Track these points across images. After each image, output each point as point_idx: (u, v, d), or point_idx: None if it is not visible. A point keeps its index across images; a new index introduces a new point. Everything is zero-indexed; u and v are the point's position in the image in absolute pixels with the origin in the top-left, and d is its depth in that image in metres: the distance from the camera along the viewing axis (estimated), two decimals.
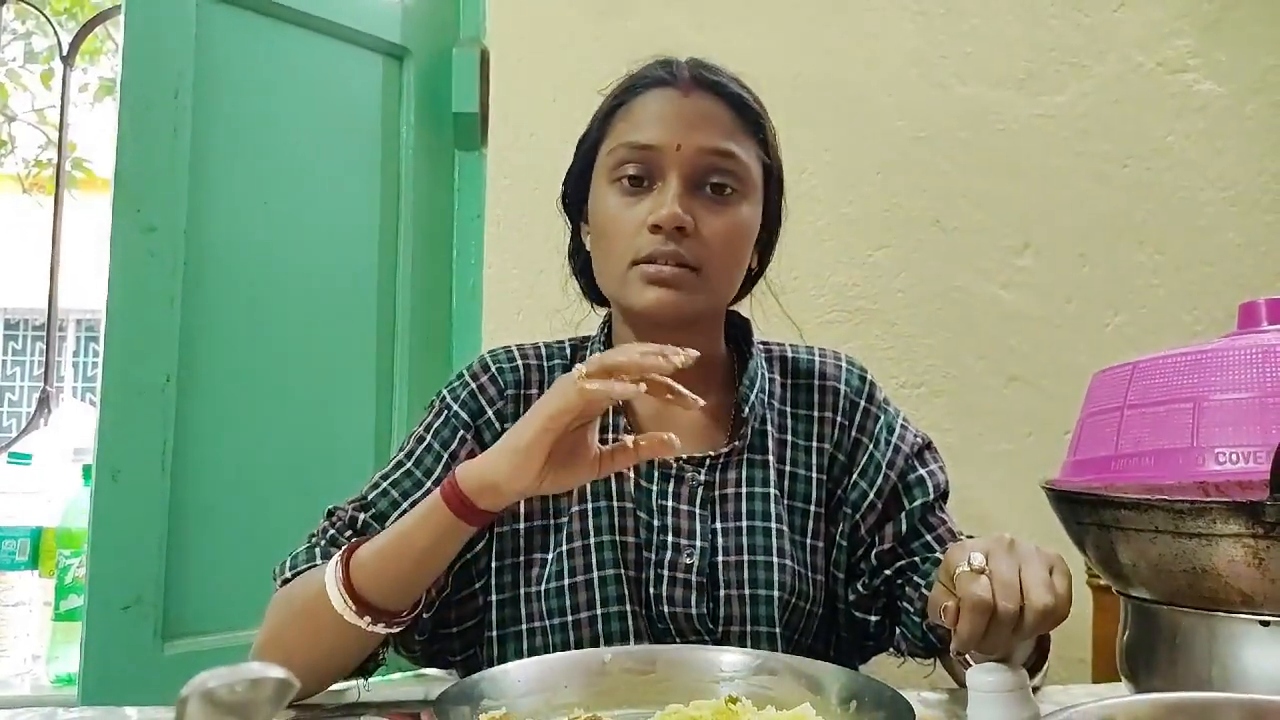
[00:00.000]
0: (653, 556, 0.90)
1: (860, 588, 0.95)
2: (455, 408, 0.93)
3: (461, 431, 0.92)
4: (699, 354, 0.72)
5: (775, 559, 0.91)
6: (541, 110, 1.61)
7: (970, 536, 0.96)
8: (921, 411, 1.60)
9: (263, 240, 1.37)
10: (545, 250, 1.62)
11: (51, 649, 1.39)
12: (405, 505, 0.89)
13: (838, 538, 0.96)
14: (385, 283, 1.51)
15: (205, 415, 1.28)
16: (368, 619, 0.78)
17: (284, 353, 1.37)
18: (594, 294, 1.02)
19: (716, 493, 0.93)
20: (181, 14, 1.30)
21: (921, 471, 0.97)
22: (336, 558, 0.80)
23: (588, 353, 0.99)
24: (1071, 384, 1.64)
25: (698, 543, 0.90)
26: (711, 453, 0.93)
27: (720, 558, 0.90)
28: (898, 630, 0.95)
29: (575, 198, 0.98)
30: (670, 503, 0.91)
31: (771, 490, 0.94)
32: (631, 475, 0.92)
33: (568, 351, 0.99)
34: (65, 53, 1.81)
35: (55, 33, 1.90)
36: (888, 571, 0.94)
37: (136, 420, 1.22)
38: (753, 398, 0.95)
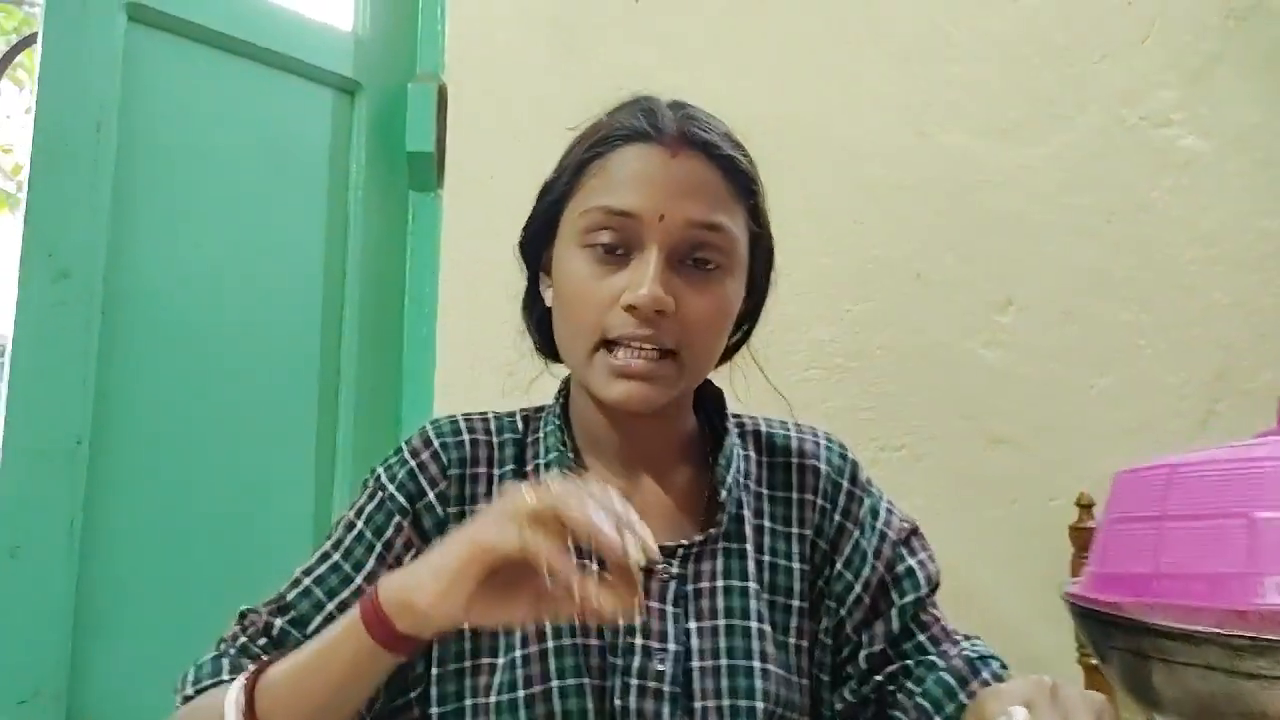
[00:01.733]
0: (619, 662, 0.79)
1: (848, 694, 0.85)
2: (391, 489, 0.82)
3: (397, 517, 0.81)
4: (660, 559, 0.63)
5: (757, 663, 0.81)
6: (502, 150, 1.52)
7: (967, 637, 0.88)
8: (902, 476, 1.51)
9: (193, 289, 1.24)
10: (503, 300, 1.50)
11: None
12: (331, 606, 0.78)
13: (820, 635, 0.86)
14: (329, 335, 1.39)
15: (121, 483, 1.15)
16: None
17: (213, 413, 1.24)
18: (550, 350, 0.91)
19: (690, 587, 0.82)
20: (107, 39, 1.18)
21: (911, 562, 0.88)
22: (240, 682, 0.68)
23: (541, 425, 0.88)
24: (1057, 447, 1.58)
25: (670, 646, 0.80)
26: (684, 541, 0.83)
27: (696, 663, 0.80)
28: None
29: (535, 247, 0.88)
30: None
31: (751, 584, 0.84)
32: (595, 568, 0.82)
33: (519, 425, 0.88)
34: None
35: None
36: (878, 677, 0.85)
37: (41, 489, 1.09)
38: (729, 479, 0.85)
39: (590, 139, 0.82)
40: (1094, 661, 1.38)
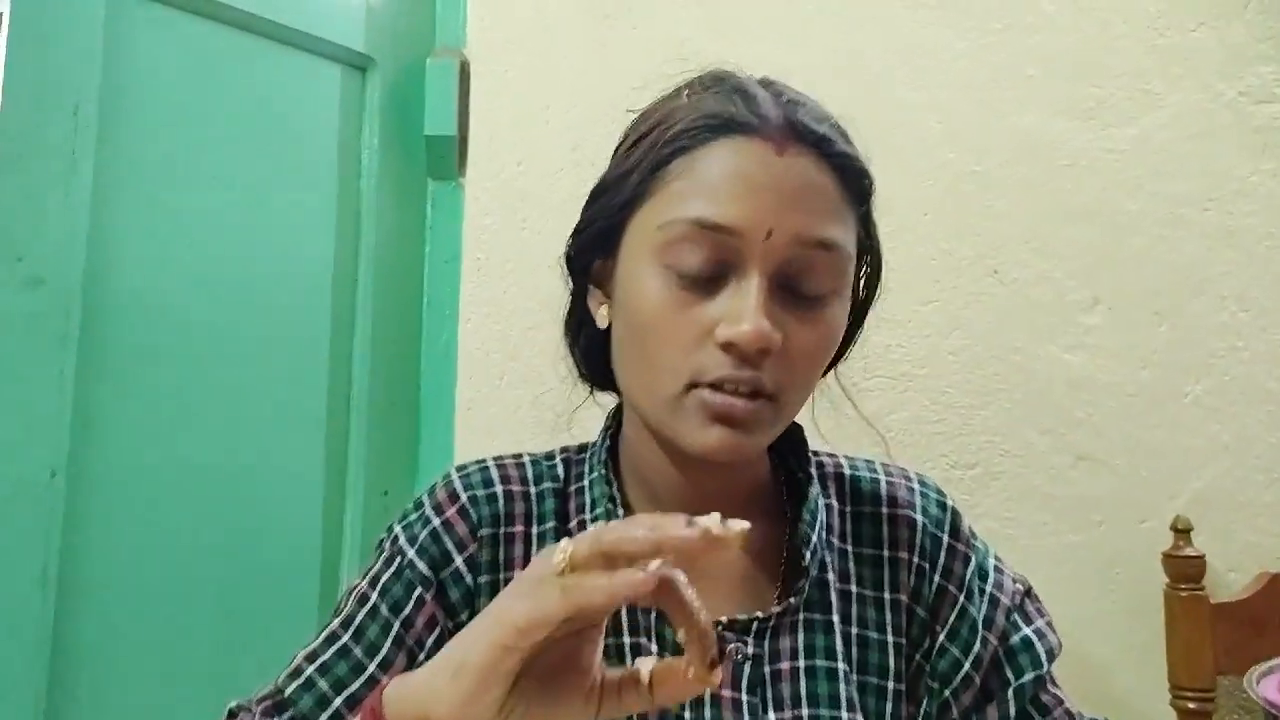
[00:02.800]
0: None
1: None
2: (411, 554, 0.69)
3: (419, 589, 0.68)
4: (748, 525, 0.48)
5: None
6: (532, 133, 1.38)
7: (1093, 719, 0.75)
8: (976, 497, 1.37)
9: (184, 296, 1.11)
10: (534, 302, 1.39)
11: None
12: (338, 702, 0.65)
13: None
14: (339, 346, 1.25)
15: (101, 518, 1.02)
16: None
17: (209, 438, 1.11)
18: (599, 378, 0.77)
19: (768, 669, 0.69)
20: (86, 10, 1.04)
21: (1028, 631, 0.75)
22: None
23: (586, 471, 0.74)
24: (1148, 463, 1.42)
25: None
26: (760, 614, 0.69)
27: None
28: None
29: (585, 259, 0.72)
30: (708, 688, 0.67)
31: (839, 664, 0.70)
32: (655, 649, 0.68)
33: (559, 471, 0.75)
34: None
35: None
36: None
37: (10, 527, 0.96)
38: (814, 540, 0.71)
39: (668, 127, 0.65)
40: (1191, 706, 1.24)
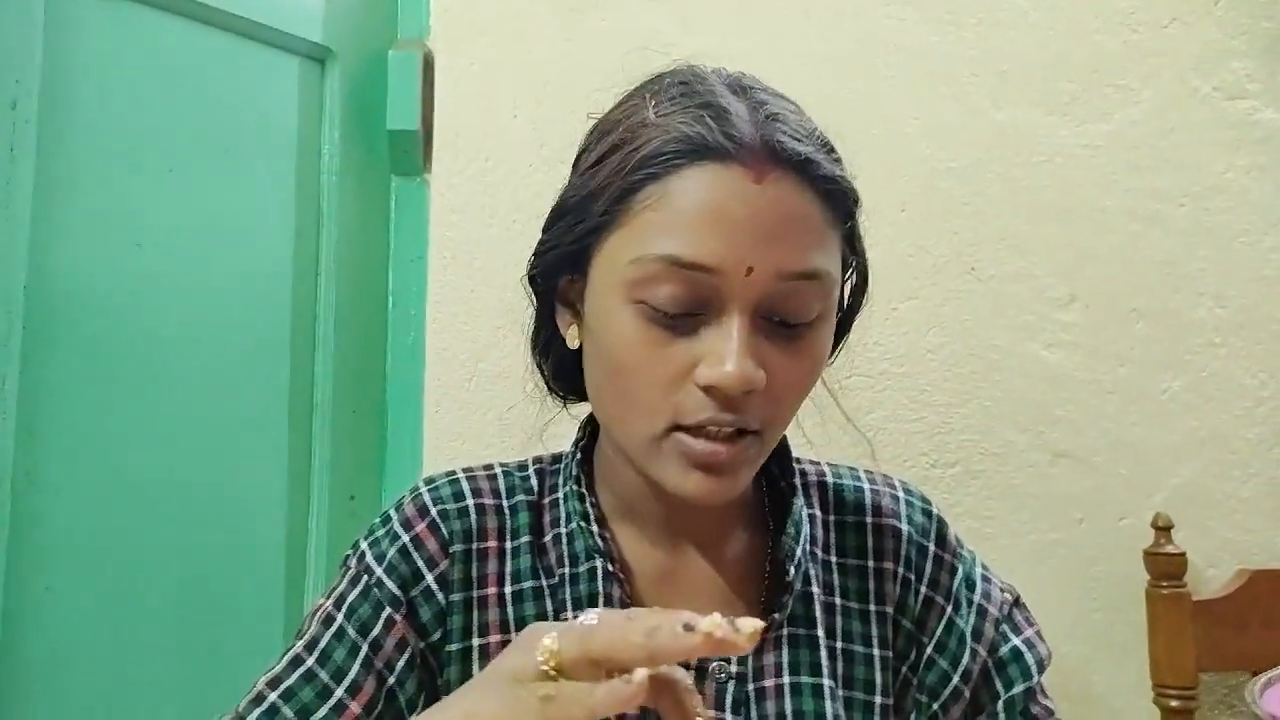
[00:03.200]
0: None
1: None
2: (379, 572, 0.65)
3: (388, 609, 0.64)
4: (761, 625, 0.43)
5: None
6: (498, 128, 1.33)
7: None
8: (956, 495, 1.35)
9: (136, 297, 1.05)
10: (503, 301, 1.34)
11: None
12: None
13: None
14: (301, 343, 1.20)
15: (51, 530, 0.97)
16: None
17: (165, 444, 1.06)
18: (568, 391, 0.74)
19: (751, 686, 0.66)
20: (24, 1, 0.98)
21: (1017, 642, 0.73)
22: None
23: (560, 483, 0.71)
24: (1127, 460, 1.40)
25: None
26: None
27: None
28: None
29: (550, 279, 0.68)
30: None
31: (824, 680, 0.67)
32: None
33: (533, 483, 0.71)
34: None
35: None
36: None
37: None
38: (799, 554, 0.68)
39: (636, 149, 0.60)
40: (1174, 704, 1.22)
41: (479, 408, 1.28)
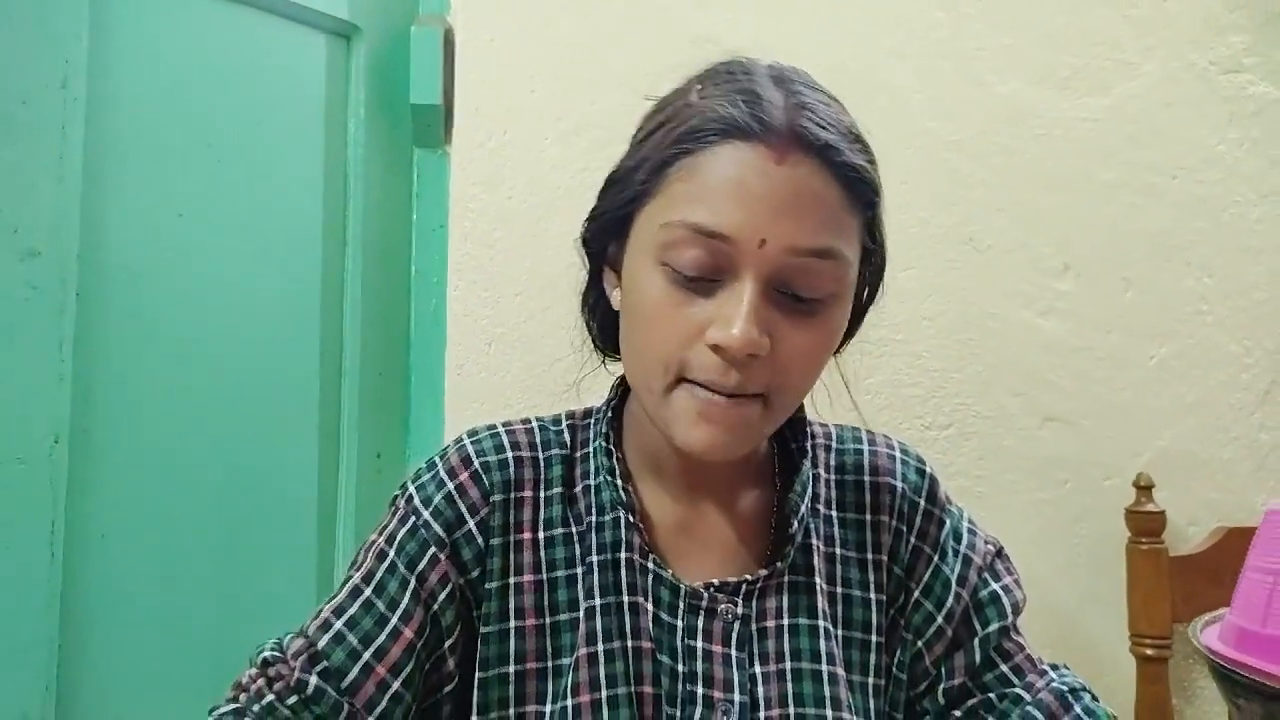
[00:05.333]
0: (678, 714, 0.71)
1: None
2: (426, 515, 0.72)
3: (433, 548, 0.71)
4: None
5: (830, 712, 0.72)
6: (517, 102, 1.38)
7: (1054, 666, 0.80)
8: (950, 456, 1.42)
9: (177, 263, 1.12)
10: (521, 269, 1.41)
11: None
12: (367, 654, 0.69)
13: (894, 670, 0.78)
14: (330, 307, 1.27)
15: (104, 484, 1.04)
16: None
17: (205, 402, 1.13)
18: (608, 344, 0.81)
19: (755, 627, 0.73)
20: None
21: (995, 587, 0.80)
22: None
23: (590, 439, 0.78)
24: (1113, 423, 1.48)
25: (735, 696, 0.71)
26: (749, 576, 0.74)
27: (762, 714, 0.71)
28: None
29: (600, 243, 0.75)
30: (700, 643, 0.72)
31: (821, 621, 0.75)
32: (650, 608, 0.72)
33: (566, 438, 0.78)
34: None
35: None
36: (957, 712, 0.77)
37: (16, 496, 0.98)
38: (803, 510, 0.75)
39: (676, 125, 0.66)
40: (1150, 653, 1.30)
41: (498, 370, 1.35)
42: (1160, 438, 1.44)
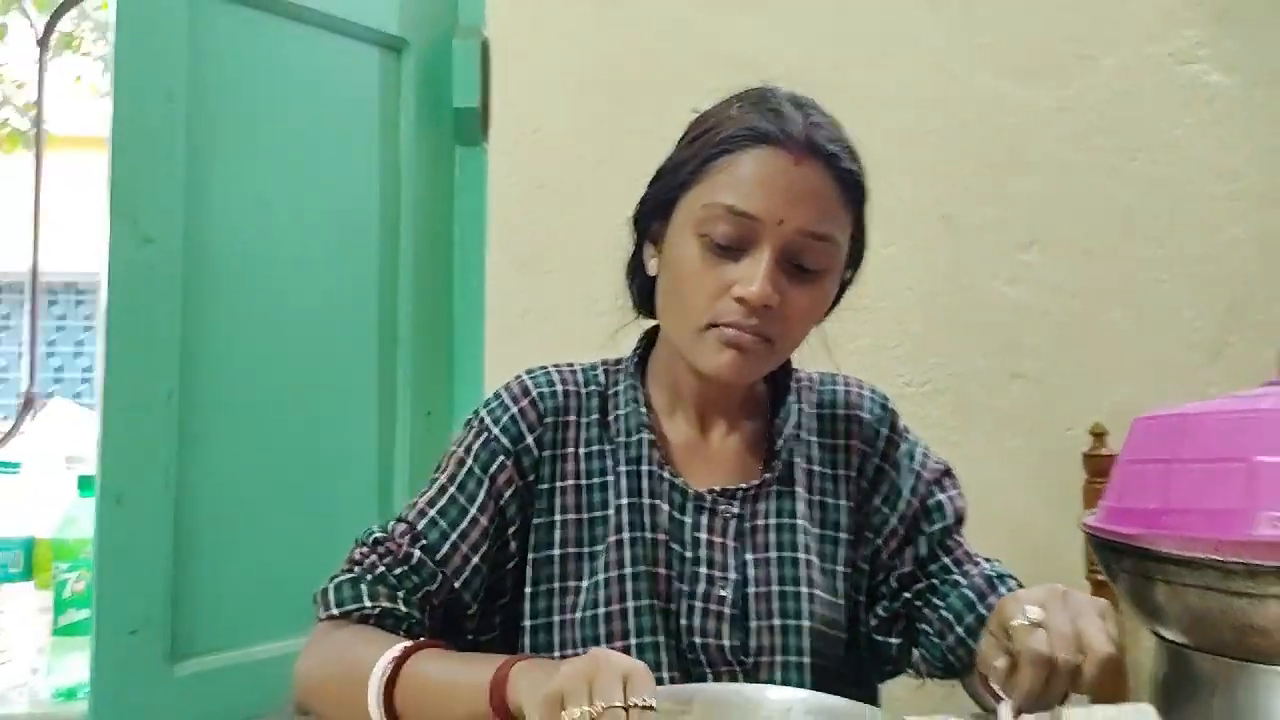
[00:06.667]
0: (685, 588, 0.90)
1: (881, 611, 0.96)
2: (495, 431, 0.92)
3: (501, 456, 0.91)
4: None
5: (805, 589, 0.92)
6: (545, 104, 1.57)
7: (989, 560, 0.98)
8: (927, 409, 1.60)
9: (262, 246, 1.32)
10: (551, 250, 1.61)
11: (51, 663, 1.37)
12: (454, 536, 0.89)
13: (859, 562, 0.97)
14: (386, 284, 1.47)
15: (208, 429, 1.25)
16: None
17: (286, 363, 1.33)
18: (645, 309, 1.00)
19: (748, 524, 0.93)
20: (173, 11, 1.24)
21: (941, 496, 0.98)
22: (385, 668, 0.77)
23: (621, 379, 0.97)
24: (1074, 381, 1.66)
25: (731, 575, 0.90)
26: (744, 485, 0.93)
27: (752, 589, 0.91)
28: (916, 652, 0.96)
29: (646, 221, 0.94)
30: (704, 535, 0.92)
31: (800, 521, 0.94)
32: (666, 507, 0.92)
33: (601, 377, 0.98)
34: (41, 35, 1.73)
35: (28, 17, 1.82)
36: (907, 594, 0.96)
37: (139, 438, 1.19)
38: (787, 431, 0.95)
39: (718, 132, 0.86)
40: (1101, 578, 1.48)
41: (531, 338, 1.54)
42: (1116, 393, 1.61)
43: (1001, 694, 0.68)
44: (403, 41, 1.50)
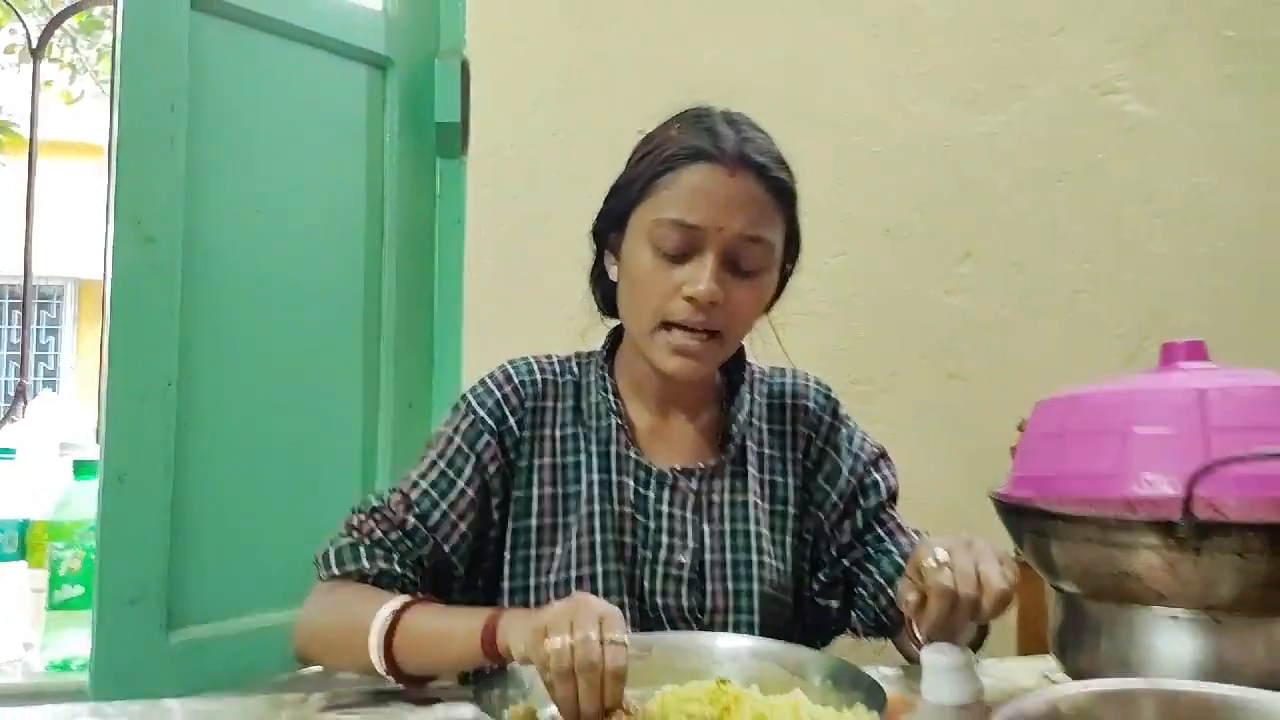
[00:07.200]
0: (648, 555, 1.01)
1: (822, 577, 1.08)
2: (481, 413, 1.02)
3: (486, 436, 1.02)
4: None
5: (756, 556, 1.03)
6: (521, 119, 1.68)
7: (918, 532, 1.10)
8: (872, 407, 1.72)
9: (255, 248, 1.42)
10: (524, 255, 1.71)
11: (46, 638, 1.44)
12: (444, 505, 0.99)
13: (804, 533, 1.08)
14: (371, 286, 1.57)
15: (205, 417, 1.34)
16: (393, 678, 0.88)
17: (277, 356, 1.43)
18: (609, 311, 1.11)
19: (705, 499, 1.04)
20: (174, 28, 1.33)
21: (876, 476, 1.10)
22: (386, 619, 0.87)
23: (592, 370, 1.08)
24: (1007, 382, 1.81)
25: (690, 543, 1.01)
26: (701, 465, 1.04)
27: (708, 556, 1.02)
28: (853, 614, 1.08)
29: (604, 232, 1.05)
30: (666, 508, 1.02)
31: (752, 497, 1.05)
32: (632, 483, 1.03)
33: (575, 368, 1.09)
34: (35, 46, 1.81)
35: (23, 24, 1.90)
36: (845, 562, 1.07)
37: (140, 424, 1.27)
38: (741, 418, 1.07)
39: (661, 151, 0.97)
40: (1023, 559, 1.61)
41: (507, 338, 1.64)
42: (1044, 393, 1.73)
43: (913, 625, 0.80)
44: (388, 60, 1.61)
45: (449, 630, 0.87)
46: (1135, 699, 0.63)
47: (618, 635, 0.72)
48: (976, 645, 1.00)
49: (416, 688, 0.91)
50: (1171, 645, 0.79)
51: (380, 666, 0.88)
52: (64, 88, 4.55)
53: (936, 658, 0.77)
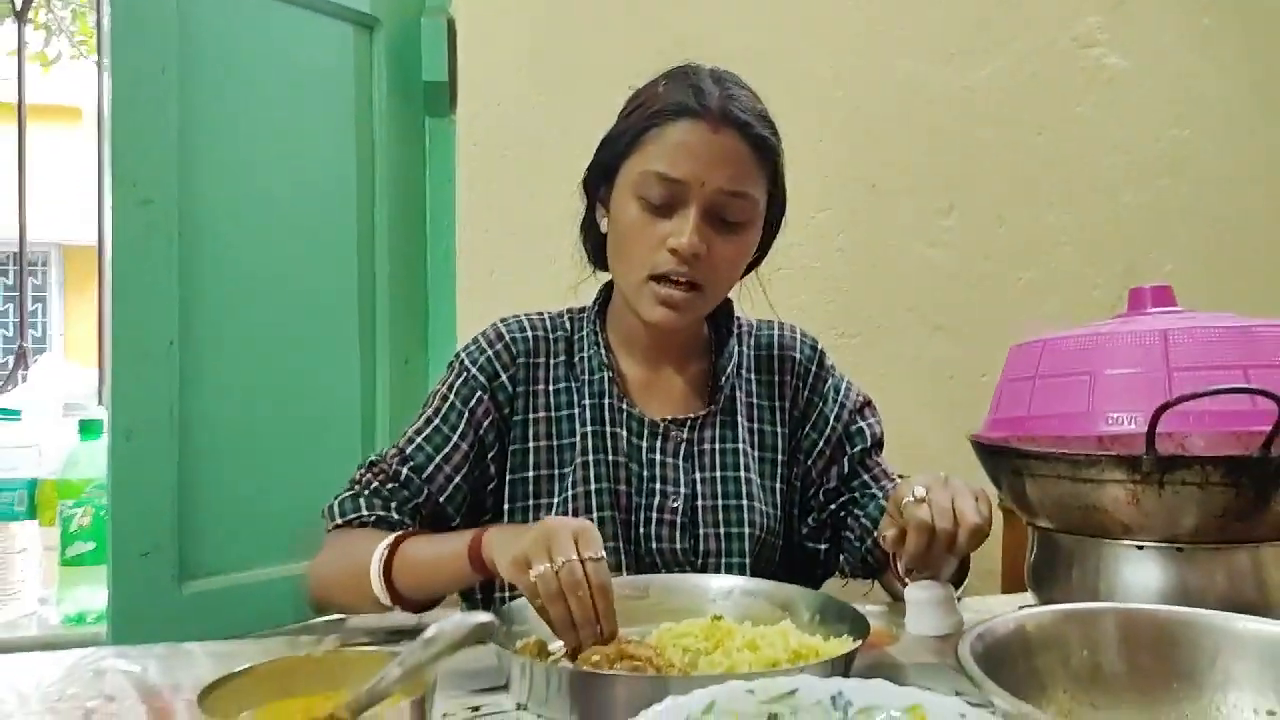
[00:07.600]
0: (642, 501, 1.05)
1: (811, 521, 1.13)
2: (473, 370, 1.06)
3: (479, 392, 1.05)
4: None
5: (746, 502, 1.07)
6: (508, 78, 1.70)
7: (902, 476, 1.15)
8: (858, 358, 1.77)
9: (250, 207, 1.43)
10: (514, 213, 1.74)
11: (60, 592, 1.48)
12: (438, 458, 1.03)
13: (793, 479, 1.13)
14: (364, 246, 1.60)
15: (207, 374, 1.37)
16: (397, 607, 0.93)
17: (275, 314, 1.45)
18: (600, 264, 1.13)
19: (696, 448, 1.08)
20: None
21: (862, 424, 1.14)
22: (383, 551, 0.91)
23: (584, 325, 1.11)
24: (987, 333, 1.85)
25: (681, 490, 1.06)
26: (692, 415, 1.08)
27: (700, 502, 1.06)
28: (840, 557, 1.13)
29: (594, 185, 1.07)
30: (658, 456, 1.06)
31: (741, 445, 1.09)
32: (625, 434, 1.06)
33: (567, 324, 1.12)
34: (19, 9, 1.80)
35: None
36: (832, 506, 1.12)
37: (145, 382, 1.30)
38: (729, 369, 1.11)
39: (648, 108, 0.99)
40: (1008, 505, 1.67)
41: (498, 293, 1.68)
42: None
43: (896, 561, 0.85)
44: (375, 20, 1.62)
45: (440, 553, 0.91)
46: (1096, 618, 0.68)
47: (596, 551, 0.77)
48: (958, 582, 1.05)
49: (423, 614, 0.95)
50: (1138, 574, 0.84)
51: (384, 596, 0.91)
52: (39, 49, 4.48)
53: (919, 593, 0.82)
